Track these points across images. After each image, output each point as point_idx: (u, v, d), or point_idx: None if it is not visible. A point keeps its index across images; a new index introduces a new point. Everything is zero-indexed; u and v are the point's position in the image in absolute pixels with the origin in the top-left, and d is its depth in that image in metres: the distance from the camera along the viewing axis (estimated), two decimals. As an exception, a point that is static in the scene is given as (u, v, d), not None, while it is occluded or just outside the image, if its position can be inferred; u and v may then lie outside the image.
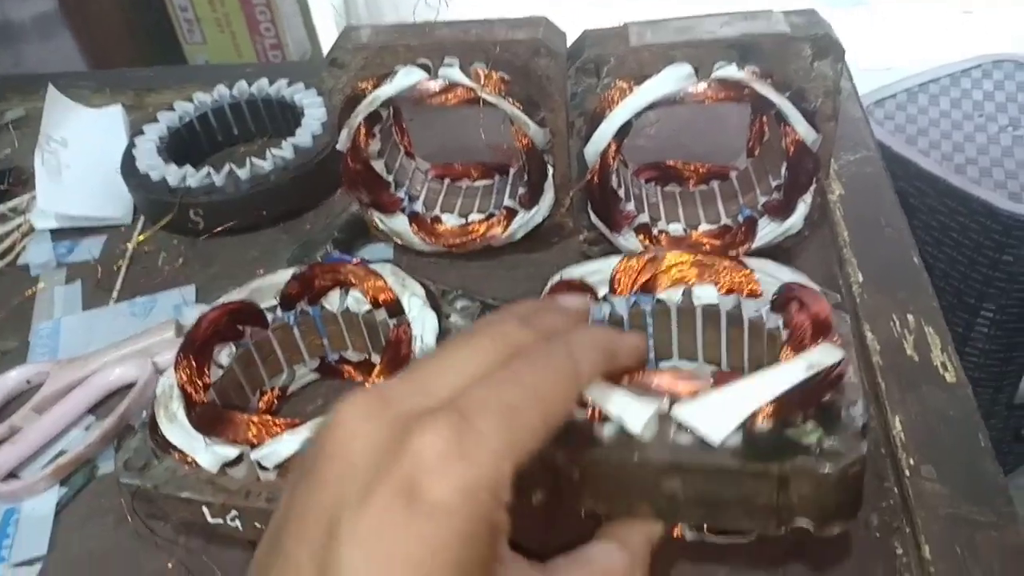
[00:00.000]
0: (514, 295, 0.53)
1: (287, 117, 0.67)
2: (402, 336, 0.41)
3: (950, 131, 1.05)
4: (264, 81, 0.68)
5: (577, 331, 0.30)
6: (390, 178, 0.55)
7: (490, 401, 0.25)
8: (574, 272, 0.43)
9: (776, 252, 0.51)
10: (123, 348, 0.51)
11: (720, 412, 0.32)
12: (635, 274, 0.42)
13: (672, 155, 0.58)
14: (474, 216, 0.56)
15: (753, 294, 0.41)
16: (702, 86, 0.44)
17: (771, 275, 0.41)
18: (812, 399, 0.33)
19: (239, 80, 0.69)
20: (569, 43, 0.50)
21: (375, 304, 0.45)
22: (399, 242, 0.57)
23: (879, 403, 0.43)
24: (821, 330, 0.36)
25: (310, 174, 0.61)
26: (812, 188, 0.47)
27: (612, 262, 0.42)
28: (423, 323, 0.41)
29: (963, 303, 1.03)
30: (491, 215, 0.55)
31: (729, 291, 0.41)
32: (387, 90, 0.49)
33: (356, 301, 0.46)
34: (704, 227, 0.52)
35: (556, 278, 0.43)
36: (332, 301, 0.46)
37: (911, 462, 0.40)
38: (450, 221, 0.56)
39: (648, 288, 0.42)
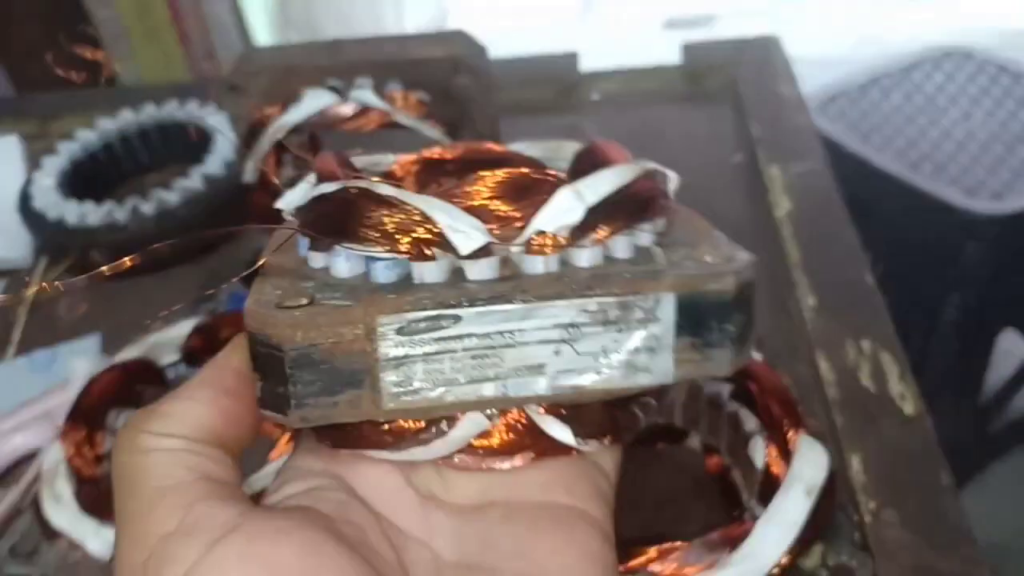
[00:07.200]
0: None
1: (199, 142, 0.62)
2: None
3: (903, 126, 1.03)
4: (173, 104, 0.63)
5: None
6: (308, 209, 0.51)
7: None
8: None
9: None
10: (21, 413, 0.46)
11: None
12: None
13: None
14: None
15: None
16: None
17: None
18: (820, 530, 0.31)
19: (147, 103, 0.64)
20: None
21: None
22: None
23: (835, 440, 0.40)
24: (790, 411, 0.33)
25: (223, 205, 0.56)
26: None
27: None
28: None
29: (923, 306, 1.00)
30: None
31: None
32: (293, 116, 0.45)
33: (265, 353, 0.41)
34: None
35: None
36: (240, 353, 0.42)
37: (871, 506, 0.37)
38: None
39: None
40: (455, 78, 0.45)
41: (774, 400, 0.34)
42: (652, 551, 0.31)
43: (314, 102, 0.45)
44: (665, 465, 0.41)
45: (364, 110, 0.45)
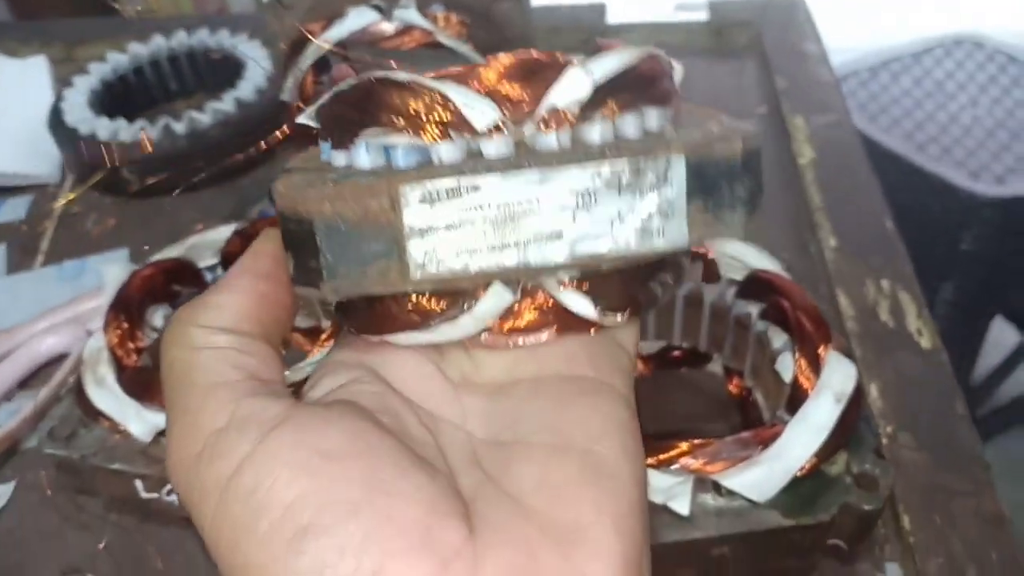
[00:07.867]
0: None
1: (229, 70, 0.63)
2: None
3: (911, 109, 1.04)
4: (204, 32, 0.64)
5: None
6: (340, 132, 0.52)
7: None
8: None
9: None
10: (53, 316, 0.47)
11: (767, 479, 0.31)
12: None
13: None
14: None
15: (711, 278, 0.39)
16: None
17: (733, 257, 0.39)
18: (846, 437, 0.32)
19: (177, 31, 0.64)
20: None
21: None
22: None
23: (854, 369, 0.41)
24: (820, 327, 0.34)
25: (253, 129, 0.57)
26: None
27: None
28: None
29: (922, 284, 1.02)
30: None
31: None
32: (337, 32, 0.46)
33: (302, 260, 0.42)
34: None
35: None
36: (276, 260, 0.43)
37: (888, 430, 0.38)
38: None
39: None
40: (496, 3, 0.46)
41: (806, 316, 0.35)
42: (684, 445, 0.32)
43: (358, 19, 0.45)
44: (686, 388, 0.42)
45: (406, 29, 0.46)
